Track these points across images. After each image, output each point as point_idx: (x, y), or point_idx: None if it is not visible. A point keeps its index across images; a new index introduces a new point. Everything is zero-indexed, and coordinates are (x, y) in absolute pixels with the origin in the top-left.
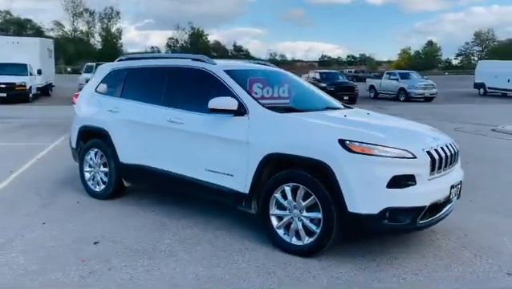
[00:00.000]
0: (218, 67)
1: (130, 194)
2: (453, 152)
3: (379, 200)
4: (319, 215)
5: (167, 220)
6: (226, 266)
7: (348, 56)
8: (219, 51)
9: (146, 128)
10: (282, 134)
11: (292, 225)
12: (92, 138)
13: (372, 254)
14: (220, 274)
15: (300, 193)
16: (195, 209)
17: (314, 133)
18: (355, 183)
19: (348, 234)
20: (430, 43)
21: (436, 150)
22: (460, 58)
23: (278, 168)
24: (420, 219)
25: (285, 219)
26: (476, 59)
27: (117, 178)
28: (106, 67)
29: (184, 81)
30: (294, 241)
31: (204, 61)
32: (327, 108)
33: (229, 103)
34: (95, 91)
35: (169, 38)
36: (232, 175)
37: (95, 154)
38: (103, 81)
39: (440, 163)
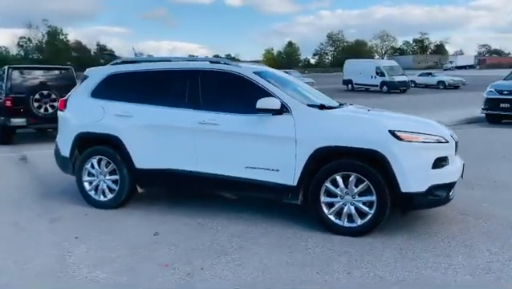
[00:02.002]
0: (248, 70)
1: (134, 202)
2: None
3: (427, 179)
4: (372, 198)
5: (200, 220)
6: (302, 251)
7: (214, 56)
8: (80, 51)
9: (170, 131)
10: (331, 129)
11: (345, 210)
12: (93, 145)
13: (410, 227)
14: (301, 259)
15: (352, 180)
16: (212, 207)
17: (365, 126)
18: (407, 167)
19: (402, 210)
20: (290, 44)
21: (452, 136)
22: (316, 57)
23: (324, 161)
24: (451, 193)
25: (336, 205)
26: (330, 58)
27: (131, 185)
28: (99, 72)
29: (212, 84)
30: (347, 224)
31: (226, 63)
32: (341, 105)
33: (274, 103)
34: (91, 96)
35: (21, 38)
36: (277, 170)
37: (99, 162)
38: (99, 86)
39: (456, 146)
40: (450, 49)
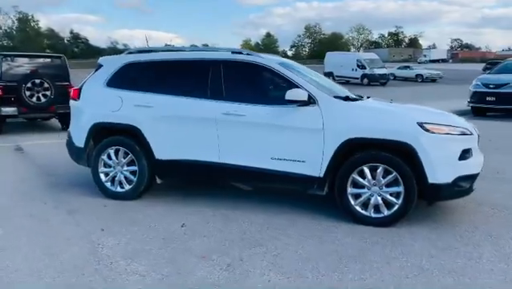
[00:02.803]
0: (272, 61)
1: (152, 194)
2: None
3: (453, 170)
4: (400, 189)
5: (223, 210)
6: (333, 242)
7: (192, 46)
8: (53, 39)
9: (191, 121)
10: (360, 120)
11: (372, 201)
12: (110, 136)
13: (432, 217)
14: (335, 249)
15: (380, 171)
16: (231, 198)
17: (393, 118)
18: (435, 158)
19: (428, 201)
20: (268, 35)
21: (474, 129)
22: (293, 49)
23: (351, 152)
24: (473, 184)
25: (363, 196)
26: (307, 50)
27: (150, 176)
28: (115, 61)
29: (235, 74)
30: (374, 214)
31: (250, 54)
32: (361, 97)
33: (302, 94)
34: (107, 85)
35: None
36: (304, 161)
37: (116, 153)
38: (116, 75)
39: (478, 139)
40: (424, 43)
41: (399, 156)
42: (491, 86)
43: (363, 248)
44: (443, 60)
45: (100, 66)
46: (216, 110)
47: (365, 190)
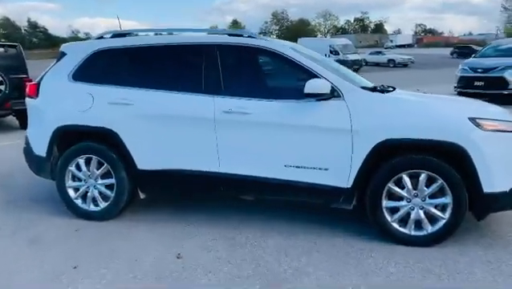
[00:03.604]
0: (282, 45)
1: (133, 211)
2: None
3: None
4: (447, 200)
5: (224, 232)
6: (376, 271)
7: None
8: (9, 28)
9: (182, 122)
10: (397, 117)
11: (412, 216)
12: (78, 142)
13: (476, 231)
14: (382, 284)
15: (423, 179)
16: (230, 213)
17: (439, 113)
18: (491, 162)
19: (479, 215)
20: (235, 22)
21: None
22: (261, 36)
23: (385, 157)
24: None
25: (402, 210)
26: (274, 37)
27: (132, 190)
28: (82, 48)
29: (236, 62)
30: (415, 232)
31: (252, 37)
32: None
33: (324, 86)
34: (73, 79)
35: None
36: (327, 169)
37: (87, 162)
38: (83, 66)
39: None
40: (389, 28)
41: (446, 161)
42: (479, 70)
43: (414, 278)
44: (408, 45)
45: (63, 54)
46: (214, 107)
47: (404, 203)
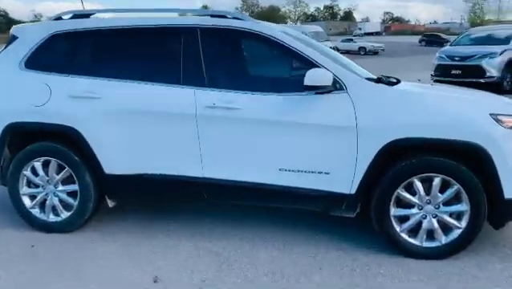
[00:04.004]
0: (275, 29)
1: (99, 221)
2: None
3: None
4: (463, 207)
5: (209, 245)
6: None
7: None
8: None
9: (158, 118)
10: (409, 114)
11: (424, 225)
12: (34, 141)
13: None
14: None
15: (437, 184)
16: (212, 222)
17: (456, 109)
18: None
19: (497, 223)
20: (205, 7)
21: None
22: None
23: (394, 159)
24: None
25: (412, 220)
26: None
27: (98, 197)
28: (37, 30)
29: (221, 49)
30: (426, 243)
31: (238, 18)
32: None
33: (325, 77)
34: (25, 67)
35: None
36: (327, 173)
37: (45, 166)
38: (38, 52)
39: None
40: (357, 16)
41: (463, 163)
42: (456, 58)
43: None
44: (377, 33)
45: (14, 38)
46: (195, 101)
47: (415, 211)
